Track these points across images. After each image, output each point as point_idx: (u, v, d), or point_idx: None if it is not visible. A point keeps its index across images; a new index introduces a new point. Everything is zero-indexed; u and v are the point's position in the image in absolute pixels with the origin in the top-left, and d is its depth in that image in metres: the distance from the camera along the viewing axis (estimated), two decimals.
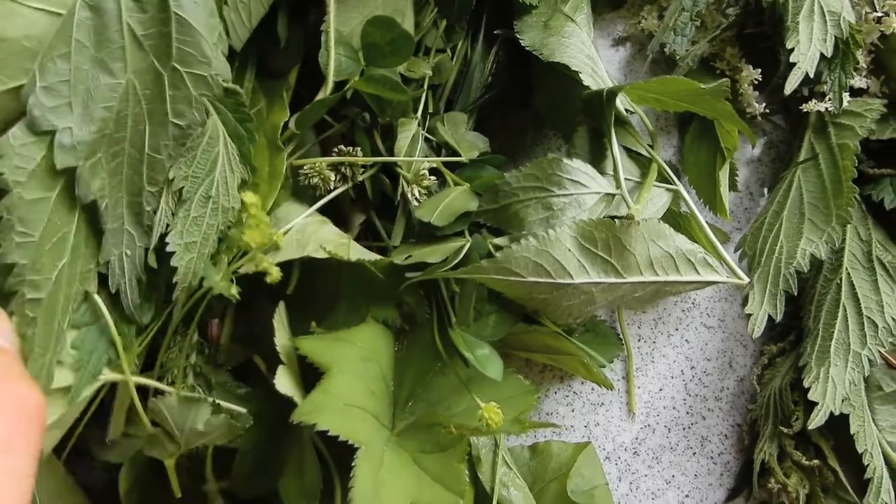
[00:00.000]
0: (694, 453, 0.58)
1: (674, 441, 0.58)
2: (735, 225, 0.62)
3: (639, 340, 0.59)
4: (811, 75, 0.51)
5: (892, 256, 0.53)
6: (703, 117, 0.61)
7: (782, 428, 0.53)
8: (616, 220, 0.43)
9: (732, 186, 0.58)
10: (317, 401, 0.38)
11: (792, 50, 0.52)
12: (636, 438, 0.58)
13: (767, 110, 0.60)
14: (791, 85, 0.50)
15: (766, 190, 0.62)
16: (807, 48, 0.52)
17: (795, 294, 0.51)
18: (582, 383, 0.58)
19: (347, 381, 0.40)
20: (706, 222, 0.59)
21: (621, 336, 0.58)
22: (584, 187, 0.43)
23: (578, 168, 0.43)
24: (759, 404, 0.56)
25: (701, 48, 0.58)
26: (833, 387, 0.49)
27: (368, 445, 0.38)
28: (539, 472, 0.54)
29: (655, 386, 0.59)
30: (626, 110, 0.55)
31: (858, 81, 0.57)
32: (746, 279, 0.45)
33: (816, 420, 0.48)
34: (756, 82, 0.59)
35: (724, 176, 0.55)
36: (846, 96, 0.55)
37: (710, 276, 0.46)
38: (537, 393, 0.48)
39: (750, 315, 0.51)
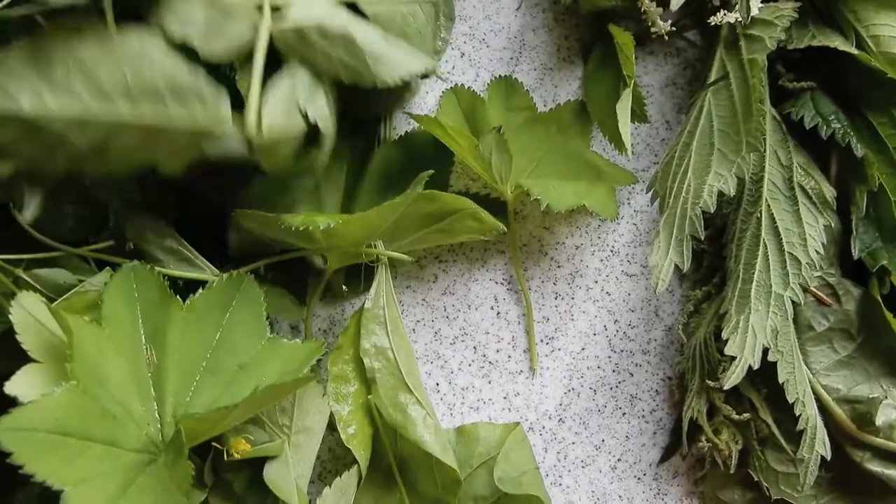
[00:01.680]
0: (624, 413, 0.53)
1: (601, 403, 0.53)
2: (652, 159, 0.56)
3: (556, 298, 0.54)
4: None
5: (815, 181, 0.47)
6: (606, 44, 0.54)
7: (709, 382, 0.48)
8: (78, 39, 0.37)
9: (641, 117, 0.52)
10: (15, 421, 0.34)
11: None
12: (560, 405, 0.53)
13: (675, 28, 0.53)
14: (676, 2, 0.44)
15: (684, 117, 0.56)
16: None
17: (702, 238, 0.45)
18: (497, 351, 0.54)
19: (63, 401, 0.35)
20: (613, 163, 0.54)
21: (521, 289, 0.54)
22: None
23: None
24: (685, 356, 0.51)
25: None
26: (752, 336, 0.44)
27: (83, 484, 0.34)
28: (465, 458, 0.51)
29: (577, 346, 0.54)
30: None
31: None
32: None
33: (733, 378, 0.43)
34: None
35: (623, 109, 0.49)
36: (756, 2, 0.49)
37: (213, 108, 0.39)
38: (322, 348, 0.44)
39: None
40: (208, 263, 0.48)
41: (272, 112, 0.41)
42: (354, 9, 0.46)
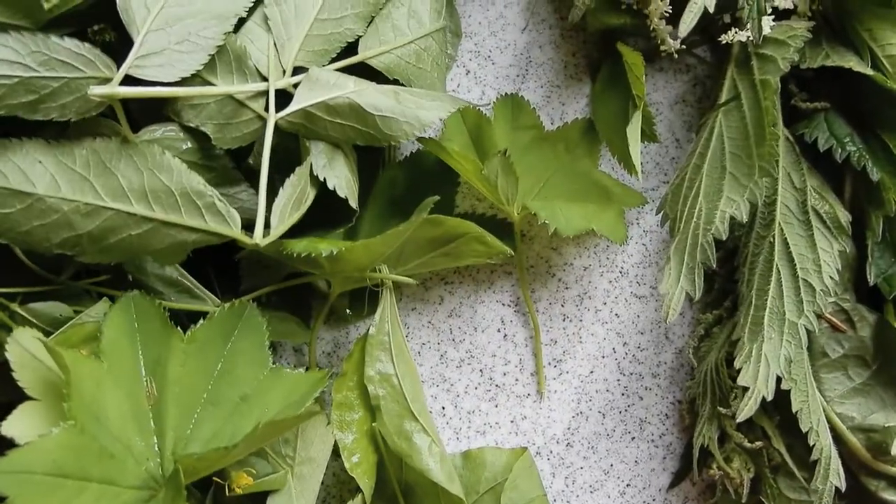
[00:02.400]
0: (633, 438, 0.53)
1: (610, 427, 0.53)
2: (662, 178, 0.55)
3: (563, 320, 0.53)
4: (710, 9, 0.43)
5: (829, 205, 0.46)
6: (614, 62, 0.53)
7: (720, 409, 0.47)
8: (99, 138, 0.39)
9: (651, 137, 0.51)
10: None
11: None
12: (568, 429, 0.53)
13: (684, 46, 0.52)
14: (686, 25, 0.43)
15: (695, 135, 0.55)
16: None
17: (714, 267, 0.45)
18: (504, 374, 0.53)
19: (60, 441, 0.35)
20: (621, 181, 0.53)
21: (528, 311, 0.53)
22: (78, 71, 0.38)
23: (72, 48, 0.38)
24: (696, 381, 0.50)
25: None
26: (766, 366, 0.43)
27: None
28: (472, 483, 0.50)
29: (586, 369, 0.53)
30: None
31: (784, 1, 0.49)
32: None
33: (746, 410, 0.42)
34: (667, 14, 0.51)
35: (633, 131, 0.48)
36: (768, 21, 0.48)
37: (220, 227, 0.41)
38: (325, 379, 0.44)
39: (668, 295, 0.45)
40: (209, 293, 0.47)
41: (282, 213, 0.43)
42: (365, 67, 0.46)
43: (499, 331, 0.53)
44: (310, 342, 0.51)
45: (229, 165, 0.45)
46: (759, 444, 0.47)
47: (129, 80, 0.40)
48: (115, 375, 0.39)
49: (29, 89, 0.37)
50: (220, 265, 0.48)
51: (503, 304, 0.54)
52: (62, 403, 0.35)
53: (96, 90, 0.38)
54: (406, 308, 0.53)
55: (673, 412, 0.53)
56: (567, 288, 0.54)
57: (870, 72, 0.45)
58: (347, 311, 0.52)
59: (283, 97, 0.44)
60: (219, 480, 0.41)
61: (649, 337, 0.53)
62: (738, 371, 0.44)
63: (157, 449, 0.40)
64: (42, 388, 0.37)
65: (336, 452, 0.47)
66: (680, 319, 0.53)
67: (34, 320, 0.41)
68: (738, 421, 0.43)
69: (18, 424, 0.35)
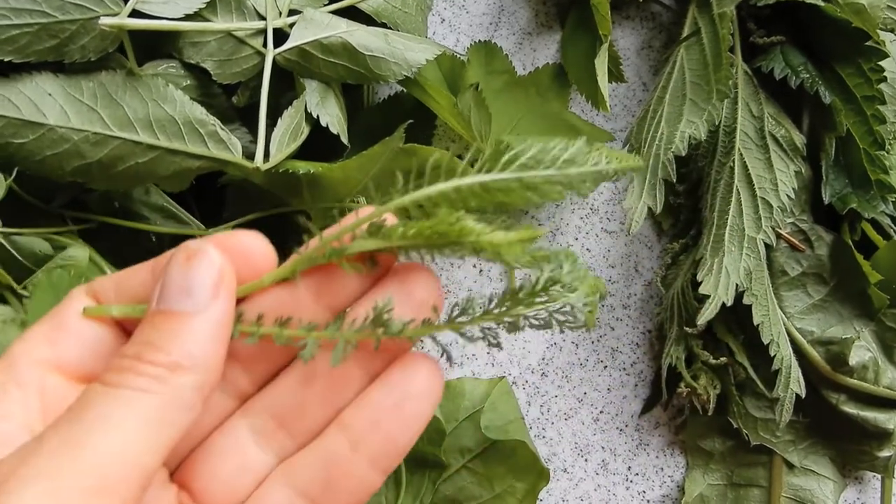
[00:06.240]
0: (605, 367, 0.54)
1: (583, 357, 0.54)
2: (629, 120, 0.57)
3: None
4: None
5: (785, 130, 0.48)
6: (582, 8, 0.56)
7: (687, 328, 0.49)
8: (105, 71, 0.41)
9: (618, 77, 0.53)
10: None
11: None
12: (543, 359, 0.54)
13: None
14: None
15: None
16: None
17: (675, 180, 0.47)
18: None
19: None
20: (590, 123, 0.55)
21: None
22: (90, 11, 0.40)
23: None
24: (664, 306, 0.52)
25: None
26: (726, 277, 0.45)
27: None
28: (451, 412, 0.51)
29: None
30: None
31: None
32: None
33: (706, 314, 0.44)
34: None
35: (600, 65, 0.50)
36: None
37: (223, 153, 0.43)
38: None
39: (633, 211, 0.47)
40: (194, 219, 0.48)
41: (280, 141, 0.45)
42: (355, 10, 0.48)
43: (474, 266, 0.55)
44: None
45: (225, 104, 0.47)
46: (723, 359, 0.49)
47: (136, 18, 0.42)
48: None
49: (50, 34, 0.40)
50: (201, 194, 0.50)
51: None
52: None
53: (106, 20, 0.41)
54: None
55: (644, 341, 0.55)
56: (540, 224, 0.56)
57: (821, 3, 0.48)
58: None
59: (280, 38, 0.46)
60: None
61: (619, 270, 0.55)
62: (701, 284, 0.46)
63: None
64: None
65: None
66: (649, 253, 0.55)
67: (15, 253, 0.43)
68: (699, 325, 0.45)
69: None
